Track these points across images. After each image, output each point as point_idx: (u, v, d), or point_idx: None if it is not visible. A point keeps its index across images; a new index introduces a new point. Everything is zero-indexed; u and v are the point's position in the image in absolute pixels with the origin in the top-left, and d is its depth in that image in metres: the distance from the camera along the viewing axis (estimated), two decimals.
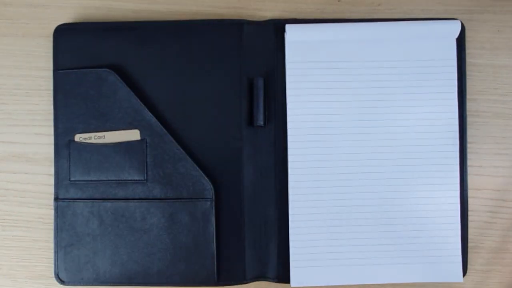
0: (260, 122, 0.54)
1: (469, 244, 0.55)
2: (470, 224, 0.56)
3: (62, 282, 0.54)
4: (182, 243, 0.53)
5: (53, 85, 0.54)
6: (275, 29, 0.55)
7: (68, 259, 0.53)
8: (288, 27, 0.54)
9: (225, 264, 0.54)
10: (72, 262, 0.53)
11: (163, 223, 0.53)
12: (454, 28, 0.54)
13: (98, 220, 0.53)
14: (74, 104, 0.54)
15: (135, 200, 0.53)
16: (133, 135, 0.53)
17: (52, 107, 0.55)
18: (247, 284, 0.55)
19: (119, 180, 0.53)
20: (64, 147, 0.54)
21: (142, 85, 0.54)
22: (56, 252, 0.54)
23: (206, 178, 0.53)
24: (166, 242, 0.53)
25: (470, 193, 0.56)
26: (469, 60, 0.56)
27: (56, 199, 0.54)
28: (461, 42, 0.55)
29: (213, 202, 0.53)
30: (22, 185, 0.56)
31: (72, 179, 0.54)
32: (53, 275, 0.55)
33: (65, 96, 0.54)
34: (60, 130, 0.54)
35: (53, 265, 0.54)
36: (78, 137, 0.54)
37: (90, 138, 0.53)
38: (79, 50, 0.54)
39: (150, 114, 0.53)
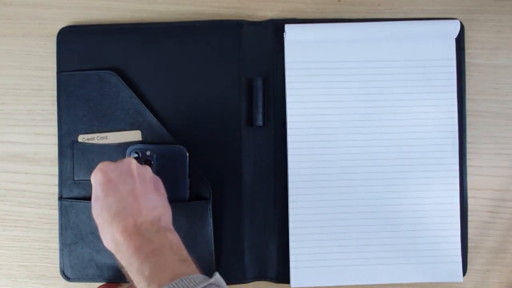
0: (259, 122, 0.56)
1: (469, 244, 0.57)
2: (470, 224, 0.57)
3: (67, 278, 0.56)
4: None
5: (57, 86, 0.56)
6: (274, 29, 0.57)
7: (73, 256, 0.55)
8: (287, 27, 0.56)
9: (225, 264, 0.56)
10: (77, 260, 0.55)
11: None
12: (453, 28, 0.56)
13: None
14: (77, 106, 0.56)
15: None
16: (135, 135, 0.55)
17: (52, 107, 0.57)
18: (247, 284, 0.57)
19: None
20: (68, 147, 0.56)
21: (143, 86, 0.56)
22: (61, 249, 0.56)
23: (205, 178, 0.55)
24: None
25: (470, 193, 0.58)
26: (469, 60, 0.58)
27: (60, 198, 0.56)
28: (460, 42, 0.57)
29: (211, 203, 0.55)
30: (22, 185, 0.58)
31: (75, 178, 0.56)
32: (53, 274, 0.58)
33: (68, 97, 0.56)
34: (63, 131, 0.56)
35: (58, 263, 0.56)
36: (81, 138, 0.56)
37: (93, 138, 0.56)
38: (82, 52, 0.57)
39: (151, 115, 0.55)
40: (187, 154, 0.54)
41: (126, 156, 0.53)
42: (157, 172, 0.53)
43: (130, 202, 0.44)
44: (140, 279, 0.40)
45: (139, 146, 0.54)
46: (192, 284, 0.38)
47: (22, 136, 0.58)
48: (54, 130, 0.57)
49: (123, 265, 0.43)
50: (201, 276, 0.40)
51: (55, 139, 0.57)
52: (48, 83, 0.58)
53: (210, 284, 0.39)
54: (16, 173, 0.58)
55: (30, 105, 0.58)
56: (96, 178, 0.46)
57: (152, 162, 0.54)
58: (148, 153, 0.54)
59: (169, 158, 0.54)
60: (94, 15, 0.59)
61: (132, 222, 0.43)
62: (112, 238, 0.43)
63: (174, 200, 0.54)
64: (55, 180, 0.57)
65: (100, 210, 0.45)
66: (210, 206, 0.55)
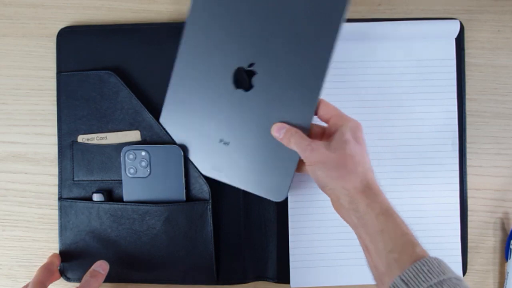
0: None
1: (469, 244, 0.57)
2: (470, 224, 0.57)
3: (67, 279, 0.56)
4: (181, 244, 0.55)
5: (57, 87, 0.56)
6: None
7: (73, 256, 0.55)
8: None
9: (225, 264, 0.56)
10: (76, 260, 0.55)
11: (161, 224, 0.54)
12: (453, 28, 0.56)
13: (99, 221, 0.55)
14: (77, 106, 0.56)
15: (132, 203, 0.55)
16: (134, 135, 0.55)
17: (52, 107, 0.57)
18: (247, 284, 0.57)
19: (121, 180, 0.55)
20: (68, 147, 0.56)
21: (143, 86, 0.56)
22: (61, 249, 0.56)
23: (204, 180, 0.55)
24: (164, 243, 0.55)
25: (470, 193, 0.57)
26: (469, 60, 0.58)
27: (60, 198, 0.56)
28: (460, 41, 0.57)
29: (210, 204, 0.55)
30: (22, 185, 0.58)
31: (75, 179, 0.56)
32: None
33: (68, 97, 0.56)
34: (63, 131, 0.56)
35: None
36: (81, 138, 0.56)
37: (92, 139, 0.55)
38: (82, 52, 0.56)
39: (150, 115, 0.55)
40: (182, 154, 0.54)
41: (121, 155, 0.54)
42: (152, 173, 0.53)
43: (369, 162, 0.46)
44: (390, 238, 0.41)
45: (134, 146, 0.54)
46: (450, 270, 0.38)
47: (22, 136, 0.58)
48: (54, 130, 0.57)
49: (356, 216, 0.43)
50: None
51: (55, 139, 0.57)
52: (48, 83, 0.58)
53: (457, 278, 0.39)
54: (16, 173, 0.58)
55: (30, 105, 0.58)
56: (357, 124, 0.47)
57: (148, 163, 0.54)
58: (143, 153, 0.54)
59: (165, 158, 0.54)
60: (94, 15, 0.59)
61: (375, 181, 0.45)
62: (357, 189, 0.43)
63: (171, 201, 0.54)
64: (55, 180, 0.57)
65: (360, 152, 0.46)
66: (210, 207, 0.54)
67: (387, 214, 0.42)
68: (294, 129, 0.49)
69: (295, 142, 0.48)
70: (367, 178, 0.44)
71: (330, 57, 0.49)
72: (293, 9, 0.49)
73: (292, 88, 0.50)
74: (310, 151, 0.46)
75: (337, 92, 0.56)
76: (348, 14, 0.57)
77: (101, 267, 0.53)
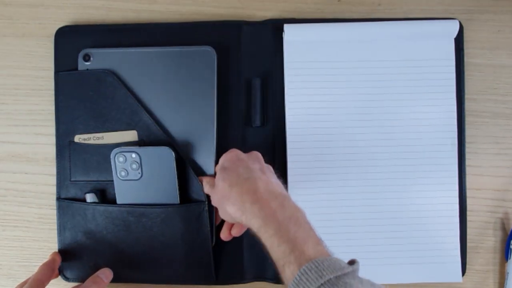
0: (257, 123, 0.56)
1: (469, 244, 0.57)
2: (469, 224, 0.57)
3: (66, 278, 0.56)
4: (179, 245, 0.54)
5: (55, 86, 0.56)
6: (273, 29, 0.57)
7: (72, 256, 0.55)
8: (286, 27, 0.55)
9: (224, 264, 0.56)
10: (75, 260, 0.55)
11: (158, 226, 0.54)
12: (452, 28, 0.56)
13: (94, 222, 0.55)
14: (74, 105, 0.55)
15: (127, 206, 0.55)
16: (131, 136, 0.55)
17: (52, 107, 0.57)
18: (246, 284, 0.57)
19: None
20: (65, 147, 0.56)
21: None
22: (60, 249, 0.56)
23: (199, 182, 0.54)
24: (162, 244, 0.54)
25: (470, 193, 0.57)
26: (469, 60, 0.58)
27: (58, 198, 0.56)
28: (459, 41, 0.57)
29: (206, 205, 0.54)
30: (22, 185, 0.58)
31: (72, 179, 0.56)
32: None
33: (66, 97, 0.56)
34: (61, 131, 0.56)
35: None
36: (78, 138, 0.55)
37: (89, 139, 0.55)
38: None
39: (147, 115, 0.54)
40: (173, 155, 0.53)
41: (111, 158, 0.52)
42: (144, 175, 0.53)
43: (259, 174, 0.46)
44: (280, 242, 0.40)
45: (123, 149, 0.53)
46: (338, 267, 0.38)
47: (22, 136, 0.58)
48: (54, 130, 0.57)
49: (250, 226, 0.43)
50: (341, 261, 0.40)
51: (54, 139, 0.57)
52: (48, 83, 0.58)
53: (353, 271, 0.39)
54: (16, 173, 0.58)
55: (30, 105, 0.58)
56: (226, 156, 0.49)
57: (139, 165, 0.53)
58: (133, 155, 0.52)
59: (156, 160, 0.53)
60: (94, 15, 0.59)
61: (263, 187, 0.44)
62: (240, 199, 0.44)
63: (165, 203, 0.54)
64: (55, 180, 0.57)
65: (227, 176, 0.47)
66: (206, 208, 0.54)
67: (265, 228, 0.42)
68: (205, 180, 0.53)
69: (206, 191, 0.53)
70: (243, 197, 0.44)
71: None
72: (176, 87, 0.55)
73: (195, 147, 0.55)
74: (211, 197, 0.52)
75: (336, 92, 0.56)
76: (348, 14, 0.58)
77: (105, 274, 0.54)
